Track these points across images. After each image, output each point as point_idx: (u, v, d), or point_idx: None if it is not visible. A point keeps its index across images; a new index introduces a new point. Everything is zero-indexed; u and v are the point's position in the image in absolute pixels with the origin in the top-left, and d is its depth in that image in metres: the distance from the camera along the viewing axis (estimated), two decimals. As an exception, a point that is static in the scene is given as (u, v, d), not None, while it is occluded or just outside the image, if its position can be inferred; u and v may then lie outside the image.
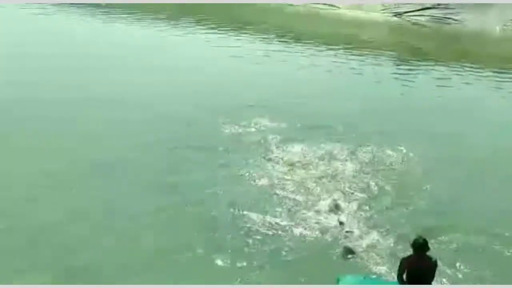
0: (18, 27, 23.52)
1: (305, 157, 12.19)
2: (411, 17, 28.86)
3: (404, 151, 12.59)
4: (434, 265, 7.47)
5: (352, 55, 21.98)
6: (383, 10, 29.24)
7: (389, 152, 12.54)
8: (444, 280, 8.47)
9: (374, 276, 8.37)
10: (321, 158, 12.14)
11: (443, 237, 9.57)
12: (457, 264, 8.92)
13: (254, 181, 11.30)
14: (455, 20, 27.99)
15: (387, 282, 8.03)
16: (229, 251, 9.08)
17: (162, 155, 12.17)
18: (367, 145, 12.75)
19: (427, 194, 11.05)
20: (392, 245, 9.32)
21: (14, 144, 12.56)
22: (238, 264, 8.83)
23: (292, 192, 10.80)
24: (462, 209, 10.66)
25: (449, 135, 13.86)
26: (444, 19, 28.45)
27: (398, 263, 7.52)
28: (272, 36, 24.41)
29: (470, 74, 19.85)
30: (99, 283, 8.22)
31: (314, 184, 11.08)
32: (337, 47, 23.01)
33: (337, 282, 7.95)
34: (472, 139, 13.77)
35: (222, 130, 13.55)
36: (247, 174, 11.54)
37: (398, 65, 21.44)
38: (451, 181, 11.61)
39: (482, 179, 11.87)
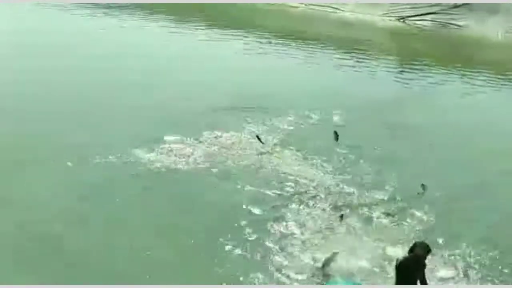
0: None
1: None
2: (415, 22, 28.86)
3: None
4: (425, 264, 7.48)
5: (351, 56, 22.09)
6: (386, 14, 29.27)
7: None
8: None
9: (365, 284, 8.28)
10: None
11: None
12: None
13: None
14: (458, 25, 27.98)
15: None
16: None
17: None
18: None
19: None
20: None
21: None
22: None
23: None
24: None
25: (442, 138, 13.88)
26: (447, 24, 28.43)
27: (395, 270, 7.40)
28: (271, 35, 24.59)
29: (470, 78, 19.80)
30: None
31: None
32: (336, 48, 23.16)
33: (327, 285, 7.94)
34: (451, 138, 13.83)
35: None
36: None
37: (397, 67, 21.52)
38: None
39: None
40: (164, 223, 9.57)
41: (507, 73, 20.89)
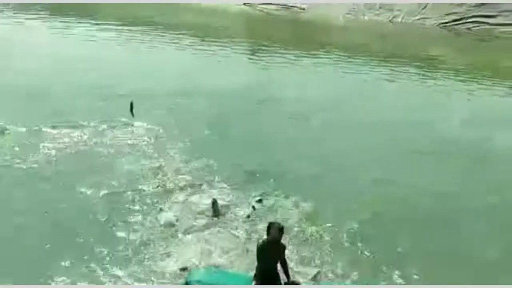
0: None
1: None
2: (261, 6, 29.47)
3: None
4: (284, 249, 7.50)
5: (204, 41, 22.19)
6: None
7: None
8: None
9: (228, 270, 8.15)
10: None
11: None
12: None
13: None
14: (302, 8, 29.00)
15: (240, 275, 7.85)
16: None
17: None
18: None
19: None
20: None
21: None
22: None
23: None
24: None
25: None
26: (291, 7, 29.35)
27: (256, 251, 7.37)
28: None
29: (317, 58, 20.72)
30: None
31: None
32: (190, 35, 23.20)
33: (189, 276, 7.72)
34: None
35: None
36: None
37: (250, 53, 21.93)
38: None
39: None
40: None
41: (348, 52, 21.96)
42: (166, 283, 7.95)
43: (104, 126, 12.56)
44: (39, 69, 16.53)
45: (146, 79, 16.19)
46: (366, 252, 8.74)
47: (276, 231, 7.17)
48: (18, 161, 10.90)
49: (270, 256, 7.28)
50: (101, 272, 8.01)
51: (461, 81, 18.69)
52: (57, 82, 15.32)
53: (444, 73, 19.51)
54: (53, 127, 12.32)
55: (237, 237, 8.96)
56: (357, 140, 12.86)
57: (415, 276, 8.24)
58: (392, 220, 9.64)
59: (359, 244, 8.92)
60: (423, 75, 19.25)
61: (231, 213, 9.51)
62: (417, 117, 14.33)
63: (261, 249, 7.24)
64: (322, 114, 14.25)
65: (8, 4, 27.13)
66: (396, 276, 8.25)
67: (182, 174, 10.65)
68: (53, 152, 11.35)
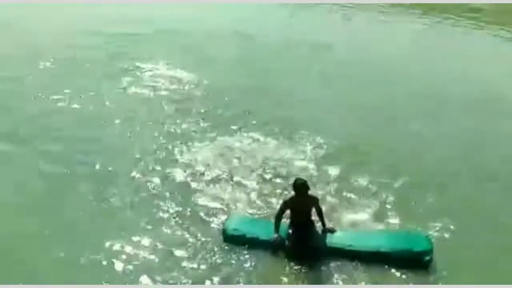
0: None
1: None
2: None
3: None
4: (317, 201, 7.92)
5: None
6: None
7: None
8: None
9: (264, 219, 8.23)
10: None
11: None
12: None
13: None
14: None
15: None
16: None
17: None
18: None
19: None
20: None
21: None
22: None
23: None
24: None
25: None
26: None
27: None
28: None
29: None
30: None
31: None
32: None
33: (226, 222, 8.10)
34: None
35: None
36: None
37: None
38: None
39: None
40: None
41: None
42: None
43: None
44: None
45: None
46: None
47: (300, 186, 7.58)
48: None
49: (300, 209, 7.74)
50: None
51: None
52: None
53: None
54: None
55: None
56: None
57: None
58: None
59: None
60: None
61: None
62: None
63: (289, 204, 7.69)
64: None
65: None
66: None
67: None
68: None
